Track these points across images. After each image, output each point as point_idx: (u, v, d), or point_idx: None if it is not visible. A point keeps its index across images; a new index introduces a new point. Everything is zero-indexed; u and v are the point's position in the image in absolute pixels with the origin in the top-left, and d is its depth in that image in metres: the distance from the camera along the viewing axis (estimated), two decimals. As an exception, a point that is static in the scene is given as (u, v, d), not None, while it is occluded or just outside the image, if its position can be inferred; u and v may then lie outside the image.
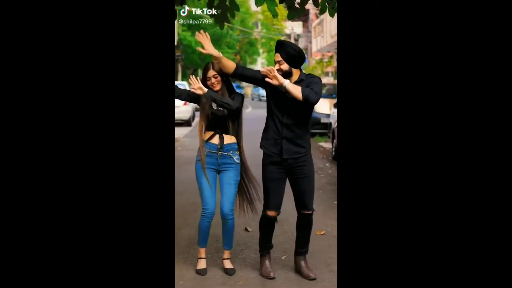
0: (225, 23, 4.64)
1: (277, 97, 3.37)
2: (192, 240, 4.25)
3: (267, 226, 3.53)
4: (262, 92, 33.88)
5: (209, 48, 3.29)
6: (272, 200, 3.44)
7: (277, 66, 3.32)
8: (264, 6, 3.79)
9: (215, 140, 3.52)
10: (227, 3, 4.43)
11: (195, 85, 3.41)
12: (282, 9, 5.53)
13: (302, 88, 3.24)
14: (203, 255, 3.67)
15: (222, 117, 3.50)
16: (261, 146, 3.49)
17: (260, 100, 34.90)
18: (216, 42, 27.98)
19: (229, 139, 3.53)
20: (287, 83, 3.24)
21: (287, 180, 3.50)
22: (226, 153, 3.51)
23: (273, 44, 31.95)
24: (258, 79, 3.37)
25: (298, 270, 3.57)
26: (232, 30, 28.71)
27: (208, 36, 3.32)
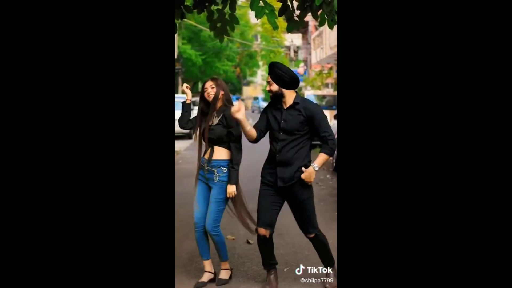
0: (225, 36, 4.67)
1: (272, 123, 3.45)
2: (193, 253, 4.24)
3: (261, 244, 3.50)
4: (263, 104, 33.85)
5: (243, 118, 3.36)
6: (262, 218, 3.43)
7: (268, 87, 3.48)
8: (264, 18, 3.82)
9: (206, 154, 3.55)
10: (226, 16, 4.46)
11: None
12: (281, 22, 5.56)
13: (324, 152, 3.35)
14: (207, 269, 3.61)
15: (219, 133, 3.52)
16: (261, 175, 3.52)
17: (260, 112, 34.85)
18: (216, 55, 28.07)
19: (218, 154, 3.51)
20: (315, 166, 3.33)
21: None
22: (211, 168, 3.50)
23: (273, 56, 32.05)
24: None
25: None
26: (232, 42, 28.80)
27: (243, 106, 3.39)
